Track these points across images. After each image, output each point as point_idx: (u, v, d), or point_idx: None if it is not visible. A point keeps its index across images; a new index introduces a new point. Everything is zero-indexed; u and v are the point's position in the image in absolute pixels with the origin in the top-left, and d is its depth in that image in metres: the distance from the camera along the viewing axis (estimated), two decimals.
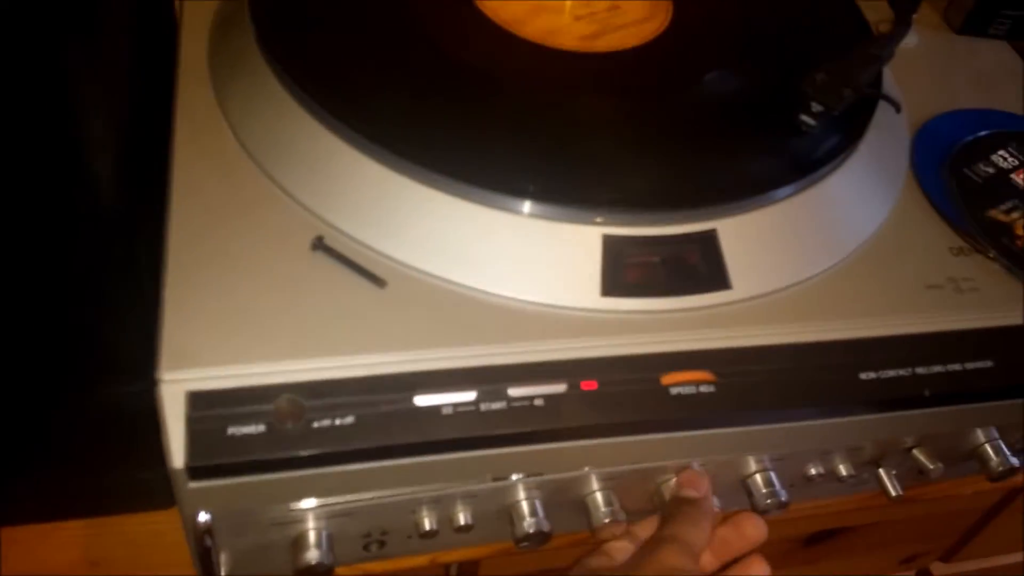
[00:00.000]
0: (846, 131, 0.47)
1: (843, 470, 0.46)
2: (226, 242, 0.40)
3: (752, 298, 0.42)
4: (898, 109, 0.46)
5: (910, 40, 0.58)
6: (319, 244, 0.40)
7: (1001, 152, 0.52)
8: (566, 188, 0.41)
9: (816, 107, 0.45)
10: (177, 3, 0.51)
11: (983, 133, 0.53)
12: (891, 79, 0.54)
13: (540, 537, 0.41)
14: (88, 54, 0.37)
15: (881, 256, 0.45)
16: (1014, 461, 0.46)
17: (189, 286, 0.38)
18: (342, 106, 0.42)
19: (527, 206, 0.41)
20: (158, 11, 0.52)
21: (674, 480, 0.43)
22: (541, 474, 0.40)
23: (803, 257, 0.44)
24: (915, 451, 0.47)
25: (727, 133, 0.45)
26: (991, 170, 0.51)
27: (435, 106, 0.43)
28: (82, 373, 0.44)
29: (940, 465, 0.46)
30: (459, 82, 0.44)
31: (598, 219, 0.41)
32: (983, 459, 0.47)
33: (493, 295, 0.40)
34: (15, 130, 0.34)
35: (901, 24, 0.50)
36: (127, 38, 0.45)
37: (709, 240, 0.42)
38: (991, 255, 0.46)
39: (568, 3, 0.51)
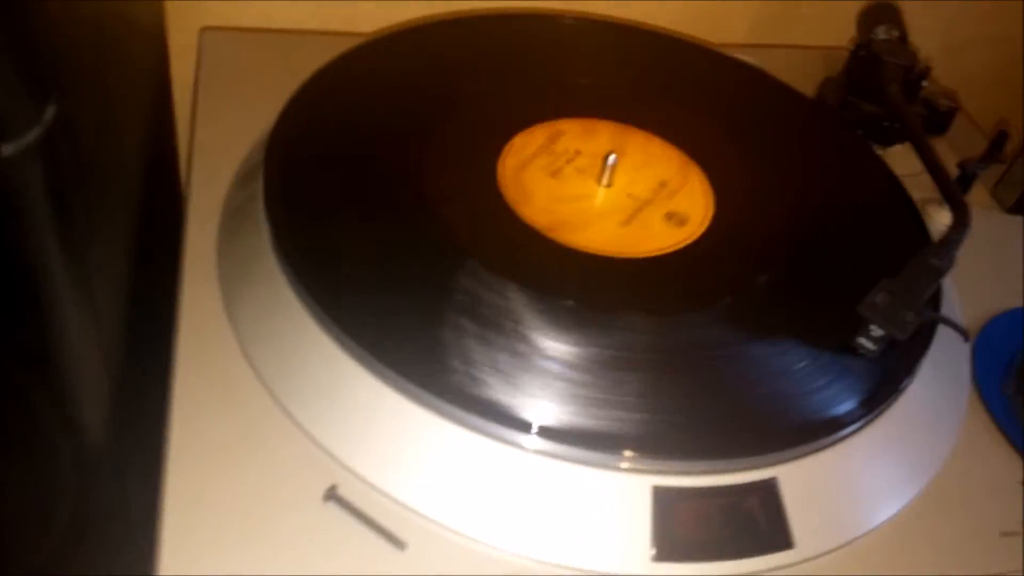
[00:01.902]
0: (906, 353, 0.43)
1: None
2: (228, 485, 0.36)
3: (817, 556, 0.37)
4: (966, 337, 0.42)
5: None
6: (332, 495, 0.36)
7: None
8: (610, 432, 0.37)
9: (876, 331, 0.41)
10: (184, 185, 0.48)
11: None
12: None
13: None
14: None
15: (950, 496, 0.41)
16: None
17: (187, 537, 0.34)
18: (366, 330, 0.38)
19: (566, 452, 0.36)
20: (161, 202, 0.48)
21: None
22: None
23: (869, 504, 0.39)
24: None
25: (781, 361, 0.41)
26: None
27: (471, 335, 0.38)
28: None
29: None
30: (496, 306, 0.40)
31: (646, 467, 0.36)
32: None
33: (528, 559, 0.35)
34: None
35: (960, 226, 0.46)
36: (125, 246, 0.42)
37: (769, 490, 0.37)
38: None
39: (601, 194, 0.48)
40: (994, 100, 0.86)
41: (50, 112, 0.26)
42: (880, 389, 0.41)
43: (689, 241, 0.46)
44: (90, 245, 0.33)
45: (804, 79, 0.63)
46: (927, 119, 0.61)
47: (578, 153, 0.50)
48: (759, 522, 0.37)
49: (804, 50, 0.70)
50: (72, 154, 0.28)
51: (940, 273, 0.43)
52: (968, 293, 0.51)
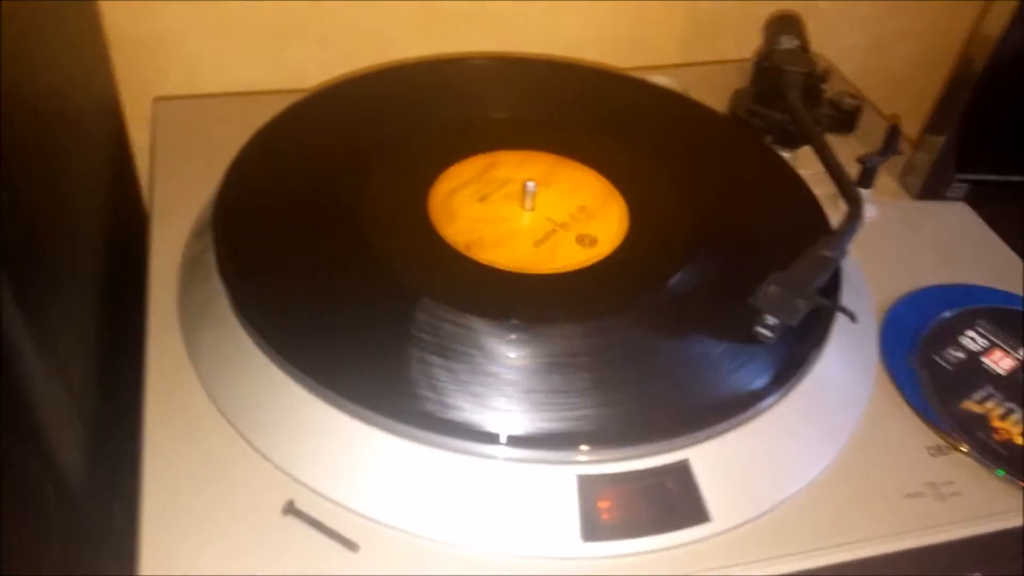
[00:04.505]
0: (809, 335, 0.47)
1: None
2: (198, 507, 0.40)
3: (733, 528, 0.41)
4: (854, 319, 0.47)
5: (869, 211, 0.59)
6: (290, 508, 0.40)
7: (970, 332, 0.52)
8: (535, 431, 0.41)
9: (771, 319, 0.45)
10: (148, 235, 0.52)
11: (949, 313, 0.53)
12: (854, 259, 0.55)
13: None
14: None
15: (858, 465, 0.45)
16: None
17: (164, 552, 0.38)
18: (309, 360, 0.42)
19: (498, 452, 0.40)
20: (129, 258, 0.53)
21: None
22: None
23: (780, 477, 0.43)
24: None
25: (691, 353, 0.45)
26: (962, 355, 0.51)
27: (403, 356, 0.43)
28: None
29: None
30: (428, 328, 0.44)
31: (570, 459, 0.41)
32: None
33: (469, 549, 0.40)
34: None
35: (853, 219, 0.51)
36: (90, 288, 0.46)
37: (682, 471, 0.41)
38: (967, 452, 0.46)
39: (527, 218, 0.52)
40: (921, 90, 0.91)
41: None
42: (782, 371, 0.45)
43: (602, 256, 0.50)
44: (51, 309, 0.37)
45: (722, 92, 0.68)
46: (835, 119, 0.65)
47: (506, 182, 0.54)
48: (676, 500, 0.41)
49: (722, 65, 0.75)
50: (22, 232, 0.32)
51: (830, 262, 0.48)
52: (880, 275, 0.55)
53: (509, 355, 0.43)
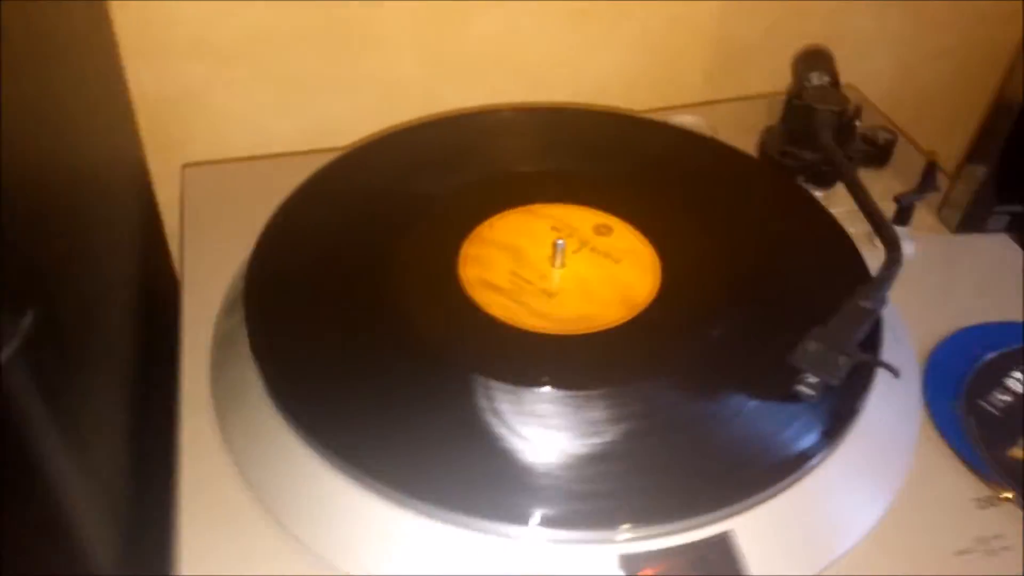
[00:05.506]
0: (851, 390, 0.46)
1: None
2: None
3: None
4: (896, 375, 0.45)
5: (907, 249, 0.58)
6: None
7: (1016, 374, 0.50)
8: (578, 510, 0.40)
9: (812, 378, 0.44)
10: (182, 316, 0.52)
11: (992, 355, 0.52)
12: (892, 300, 0.53)
13: None
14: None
15: (906, 522, 0.44)
16: None
17: None
18: (347, 445, 0.42)
19: (534, 532, 0.40)
20: (160, 324, 0.53)
21: None
22: None
23: (826, 539, 0.42)
24: None
25: (728, 417, 0.44)
26: (1007, 398, 0.49)
27: (439, 436, 0.42)
28: None
29: None
30: (467, 405, 0.44)
31: (613, 538, 0.40)
32: None
33: None
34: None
35: (892, 265, 0.50)
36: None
37: (724, 543, 0.41)
38: (1014, 501, 0.44)
39: (557, 275, 0.52)
40: (952, 110, 0.90)
41: (27, 320, 0.30)
42: (825, 430, 0.44)
43: (635, 314, 0.49)
44: (84, 412, 0.37)
45: (750, 129, 0.67)
46: (869, 154, 0.64)
47: (535, 237, 0.54)
48: (719, 574, 0.40)
49: (750, 100, 0.74)
50: (56, 344, 0.32)
51: (870, 314, 0.47)
52: (920, 315, 0.54)
53: (539, 426, 0.43)
